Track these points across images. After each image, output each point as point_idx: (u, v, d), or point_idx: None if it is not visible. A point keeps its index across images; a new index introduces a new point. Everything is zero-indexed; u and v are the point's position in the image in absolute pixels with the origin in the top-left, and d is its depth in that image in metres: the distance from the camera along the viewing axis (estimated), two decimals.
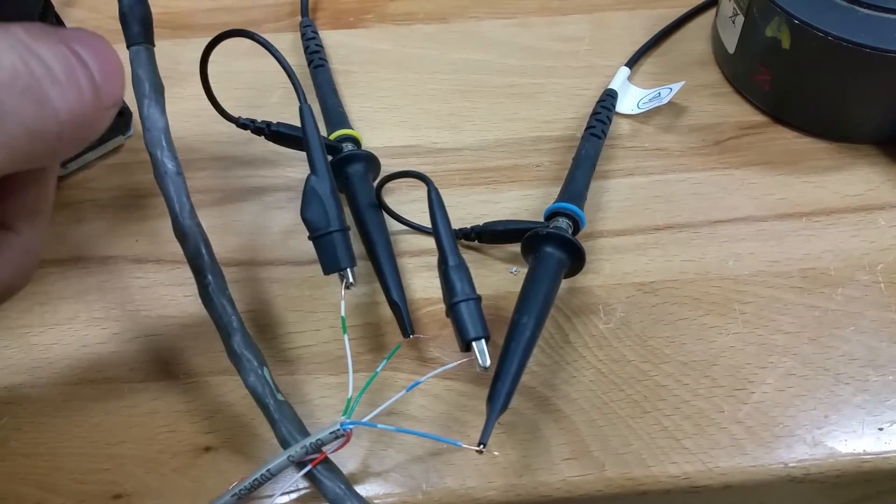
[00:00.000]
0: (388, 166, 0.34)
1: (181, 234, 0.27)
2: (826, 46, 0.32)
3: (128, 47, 0.28)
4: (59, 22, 0.32)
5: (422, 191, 0.29)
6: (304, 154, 0.28)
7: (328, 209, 0.27)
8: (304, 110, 0.28)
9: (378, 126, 0.37)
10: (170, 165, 0.27)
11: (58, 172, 0.20)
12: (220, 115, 0.32)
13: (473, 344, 0.25)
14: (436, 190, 0.28)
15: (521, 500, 0.26)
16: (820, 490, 0.27)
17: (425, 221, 0.32)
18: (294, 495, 0.26)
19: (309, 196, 0.27)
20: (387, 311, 0.30)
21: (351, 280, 0.27)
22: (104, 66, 0.18)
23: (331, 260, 0.27)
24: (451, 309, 0.26)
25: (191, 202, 0.27)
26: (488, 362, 0.25)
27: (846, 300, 0.30)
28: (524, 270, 0.29)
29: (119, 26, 0.28)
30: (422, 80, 0.40)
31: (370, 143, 0.36)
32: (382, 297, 0.30)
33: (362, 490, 0.26)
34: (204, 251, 0.27)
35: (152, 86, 0.28)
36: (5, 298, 0.21)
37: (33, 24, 0.17)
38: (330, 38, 0.42)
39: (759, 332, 0.30)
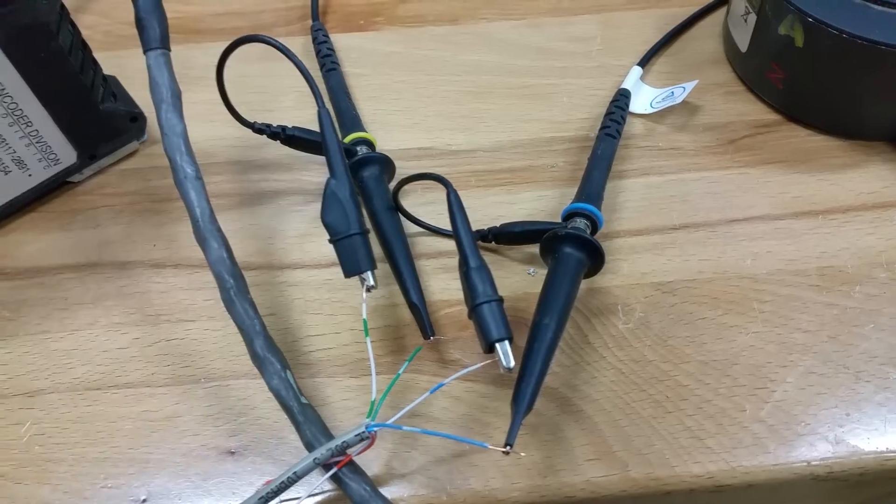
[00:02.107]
0: (402, 169, 0.34)
1: (202, 238, 0.27)
2: (840, 44, 0.32)
3: (144, 52, 0.28)
4: (73, 28, 0.32)
5: (437, 193, 0.29)
6: (318, 157, 0.28)
7: (348, 212, 0.27)
8: (322, 114, 0.28)
9: (391, 128, 0.37)
10: (189, 170, 0.27)
11: None
12: (233, 120, 0.33)
13: (497, 345, 0.25)
14: (455, 192, 0.28)
15: (546, 501, 0.26)
16: (843, 488, 0.27)
17: (441, 223, 0.33)
18: (319, 497, 0.26)
19: (329, 199, 0.27)
20: (405, 314, 0.30)
21: (372, 283, 0.27)
22: None
23: (352, 263, 0.27)
24: (474, 311, 0.26)
25: (211, 206, 0.27)
26: (513, 363, 0.25)
27: (864, 298, 0.30)
28: (542, 272, 0.29)
29: (131, 31, 0.28)
30: (434, 82, 0.40)
31: (384, 145, 0.36)
32: (401, 300, 0.30)
33: (387, 492, 0.26)
34: (225, 255, 0.27)
35: (170, 91, 0.28)
36: None
37: None
38: (341, 42, 0.42)
39: (778, 330, 0.30)
